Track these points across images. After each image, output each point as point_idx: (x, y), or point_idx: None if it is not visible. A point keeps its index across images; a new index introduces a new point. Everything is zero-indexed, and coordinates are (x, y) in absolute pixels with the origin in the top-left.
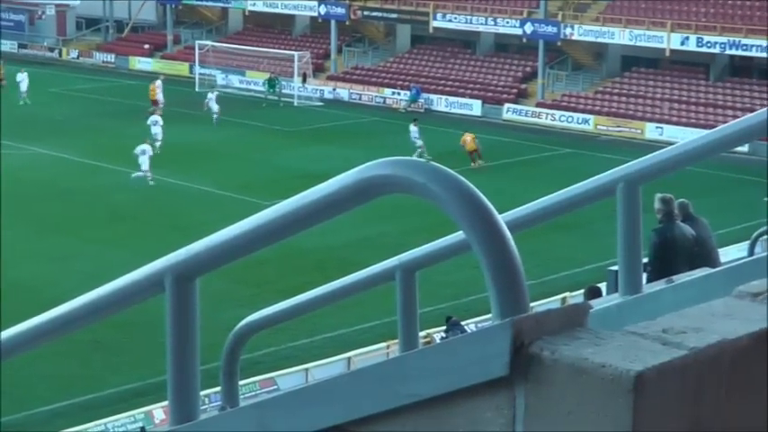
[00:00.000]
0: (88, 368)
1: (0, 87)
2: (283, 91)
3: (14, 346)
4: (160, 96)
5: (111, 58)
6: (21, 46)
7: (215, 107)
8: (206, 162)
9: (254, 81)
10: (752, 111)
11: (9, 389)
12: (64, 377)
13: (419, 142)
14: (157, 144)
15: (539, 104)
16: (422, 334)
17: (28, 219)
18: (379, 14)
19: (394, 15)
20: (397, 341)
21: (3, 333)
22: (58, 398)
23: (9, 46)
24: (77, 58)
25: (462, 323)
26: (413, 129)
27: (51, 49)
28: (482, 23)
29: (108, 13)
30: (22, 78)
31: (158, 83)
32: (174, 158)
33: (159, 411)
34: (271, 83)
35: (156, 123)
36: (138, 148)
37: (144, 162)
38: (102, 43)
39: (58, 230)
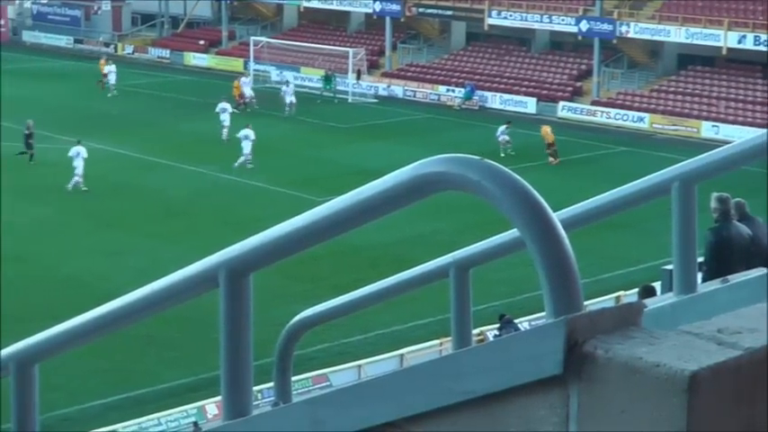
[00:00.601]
0: (142, 363)
1: (105, 84)
2: (338, 87)
3: (69, 340)
4: (248, 91)
5: (166, 53)
6: (77, 41)
7: (288, 99)
8: (260, 158)
9: (309, 77)
10: None
11: (64, 382)
12: (118, 371)
13: (503, 137)
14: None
15: (594, 102)
16: (475, 331)
17: (83, 214)
18: (435, 11)
19: (449, 12)
20: (450, 338)
21: (58, 327)
22: (111, 392)
23: (65, 41)
24: (133, 53)
25: (515, 321)
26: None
27: (107, 45)
28: (537, 21)
29: (163, 8)
30: (110, 71)
31: (243, 79)
32: (229, 154)
33: (212, 406)
34: (327, 79)
35: (224, 111)
36: (242, 133)
37: (246, 146)
38: (157, 39)
39: (113, 226)
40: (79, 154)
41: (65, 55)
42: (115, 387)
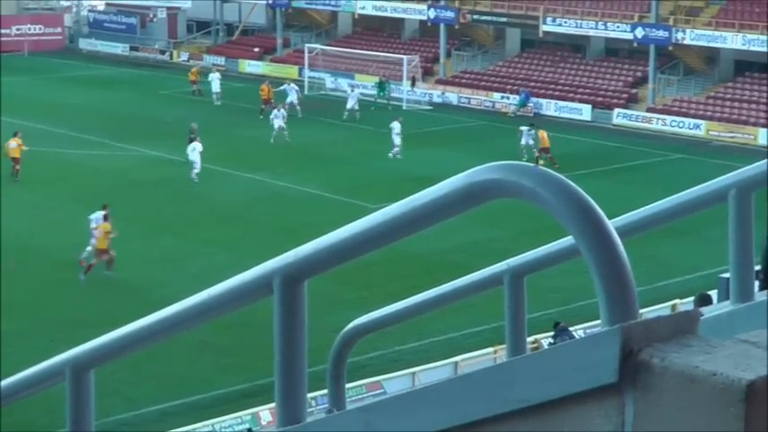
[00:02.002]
0: (197, 369)
1: (199, 92)
2: (392, 94)
3: (125, 346)
4: (293, 97)
5: (221, 60)
6: (132, 49)
7: (350, 104)
8: (314, 164)
9: (363, 84)
10: None
11: (120, 388)
12: (173, 377)
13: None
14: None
15: (649, 109)
16: (529, 339)
17: (138, 220)
18: (489, 18)
19: (504, 19)
20: (504, 346)
21: (114, 333)
22: (166, 398)
23: (121, 49)
24: (188, 60)
25: (570, 329)
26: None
27: (162, 52)
28: (592, 28)
29: (218, 16)
30: (214, 78)
31: (288, 86)
32: (282, 161)
33: (266, 413)
34: (381, 86)
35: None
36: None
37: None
38: (212, 46)
39: (168, 231)
40: (195, 149)
41: (121, 62)
42: (170, 393)
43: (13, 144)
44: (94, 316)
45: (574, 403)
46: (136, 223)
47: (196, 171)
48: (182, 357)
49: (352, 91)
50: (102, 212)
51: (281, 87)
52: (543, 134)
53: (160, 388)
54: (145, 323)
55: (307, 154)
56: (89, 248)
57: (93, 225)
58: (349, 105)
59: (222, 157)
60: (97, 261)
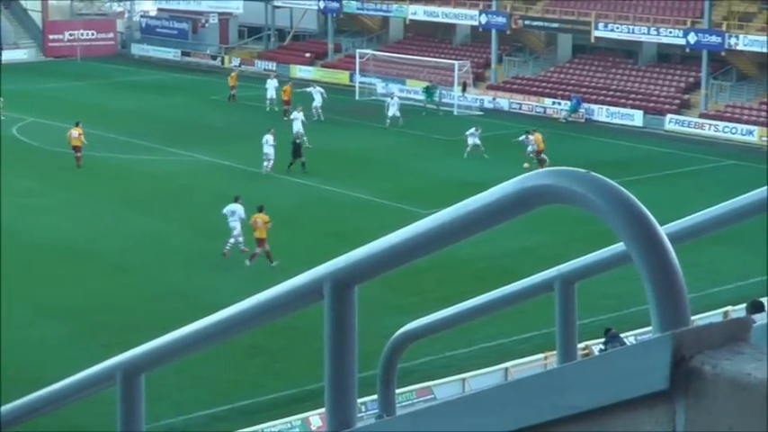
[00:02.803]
0: (247, 373)
1: (234, 98)
2: (443, 100)
3: (175, 351)
4: (318, 99)
5: (272, 66)
6: (184, 54)
7: (391, 112)
8: (365, 170)
9: (415, 90)
10: None
11: (170, 392)
12: (223, 382)
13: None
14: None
15: (702, 115)
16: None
17: (188, 225)
18: (541, 24)
19: (555, 25)
20: (555, 352)
21: (164, 337)
22: (217, 402)
23: (173, 54)
24: (239, 66)
25: (621, 335)
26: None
27: (214, 57)
28: (644, 33)
29: (270, 21)
30: (271, 85)
31: (313, 89)
32: (333, 166)
33: (316, 418)
34: (429, 91)
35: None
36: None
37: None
38: (263, 51)
39: (218, 236)
40: (268, 141)
41: (172, 68)
42: (220, 397)
43: (75, 134)
44: (145, 320)
45: (624, 410)
46: (186, 228)
47: (268, 163)
48: (232, 362)
49: (392, 98)
50: (239, 205)
51: (307, 89)
52: (538, 137)
53: (210, 392)
54: (195, 328)
55: (356, 159)
56: (231, 240)
57: (232, 219)
58: (390, 113)
59: (275, 161)
60: (261, 251)
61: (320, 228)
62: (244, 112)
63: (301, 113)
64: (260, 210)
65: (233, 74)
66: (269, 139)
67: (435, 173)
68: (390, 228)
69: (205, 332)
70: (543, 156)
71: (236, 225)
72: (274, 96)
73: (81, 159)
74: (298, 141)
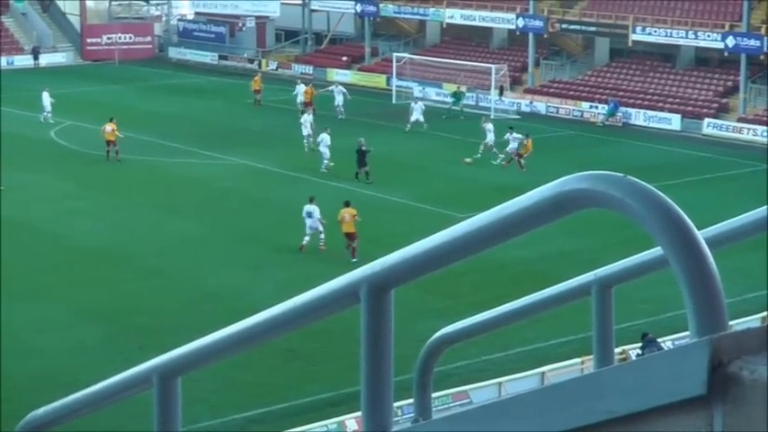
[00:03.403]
0: (283, 377)
1: (258, 102)
2: (480, 104)
3: (212, 354)
4: (339, 99)
5: (309, 69)
6: (221, 57)
7: (414, 117)
8: (400, 174)
9: (445, 93)
10: None
11: (207, 395)
12: (259, 385)
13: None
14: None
15: (740, 119)
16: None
17: (225, 228)
18: (578, 27)
19: (593, 28)
20: (591, 357)
21: (201, 340)
22: (253, 405)
23: (210, 57)
24: (276, 69)
25: (659, 340)
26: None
27: (251, 61)
28: (682, 37)
29: (307, 25)
30: (300, 90)
31: (336, 88)
32: (369, 169)
33: (352, 422)
34: (456, 96)
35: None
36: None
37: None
38: (300, 55)
39: (255, 239)
40: (323, 140)
41: (209, 71)
42: (257, 400)
43: (109, 128)
44: (181, 323)
45: (661, 415)
46: (223, 231)
47: (325, 163)
48: (268, 365)
49: (416, 103)
50: (314, 206)
51: (329, 89)
52: (529, 143)
53: (246, 395)
54: (232, 331)
55: (393, 162)
56: (307, 237)
57: (310, 220)
58: (413, 118)
59: (307, 165)
60: (356, 243)
61: (357, 231)
62: (279, 116)
63: (311, 116)
64: (346, 204)
65: (256, 78)
66: (325, 138)
67: (471, 176)
68: (426, 231)
69: (241, 335)
70: (522, 160)
71: (316, 225)
72: (303, 101)
73: (119, 153)
74: (363, 149)
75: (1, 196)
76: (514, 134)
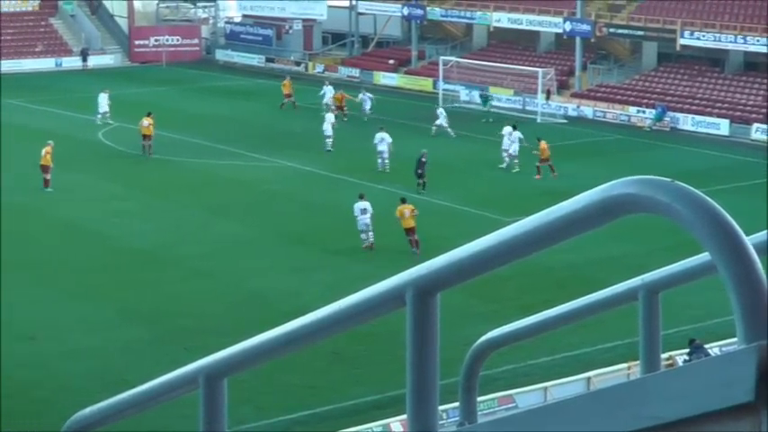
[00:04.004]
0: (328, 379)
1: (291, 104)
2: (527, 108)
3: (258, 356)
4: (367, 105)
5: (355, 72)
6: (268, 60)
7: (439, 121)
8: (446, 177)
9: (498, 97)
10: None
11: (253, 396)
12: (304, 387)
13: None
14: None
15: None
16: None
17: (271, 230)
18: (626, 32)
19: (640, 33)
20: (638, 362)
21: (247, 342)
22: (298, 407)
23: (257, 60)
24: (323, 72)
25: (706, 346)
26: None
27: (298, 64)
28: (731, 41)
29: (354, 28)
30: (327, 92)
31: (364, 95)
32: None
33: (397, 425)
34: (484, 99)
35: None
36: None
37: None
38: (347, 58)
39: (301, 242)
40: (384, 140)
41: (256, 73)
42: (301, 403)
43: (146, 123)
44: (227, 325)
45: (708, 422)
46: (269, 234)
47: (383, 162)
48: (313, 367)
49: (439, 110)
50: (367, 202)
51: (358, 96)
52: (544, 145)
53: (291, 397)
54: (278, 333)
55: (439, 166)
56: (363, 236)
57: (363, 216)
58: (438, 122)
59: (354, 167)
60: (414, 238)
61: (402, 235)
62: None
63: (332, 115)
64: (403, 201)
65: (286, 81)
66: (384, 137)
67: (517, 180)
68: (472, 235)
69: (287, 337)
70: (549, 163)
71: (368, 221)
72: (330, 103)
73: (152, 149)
74: (423, 160)
75: (49, 198)
76: (515, 133)
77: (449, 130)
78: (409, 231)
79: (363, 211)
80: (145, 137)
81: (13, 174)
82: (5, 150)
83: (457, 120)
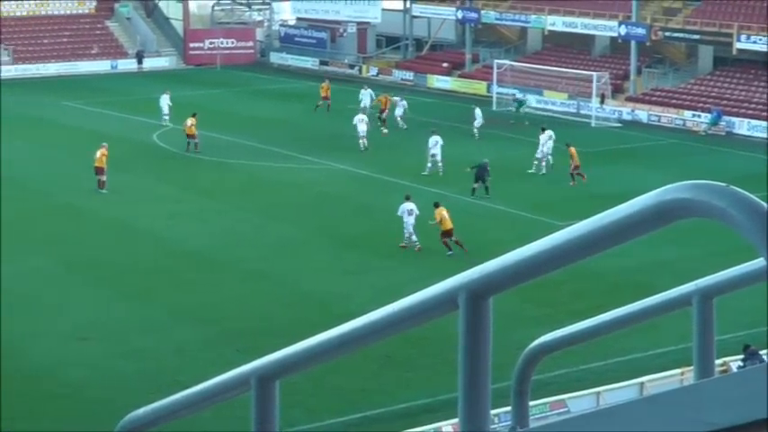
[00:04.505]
0: (379, 382)
1: (326, 106)
2: (581, 111)
3: (311, 358)
4: (398, 110)
5: (409, 75)
6: (322, 63)
7: (478, 122)
8: (500, 181)
9: (552, 101)
10: None
11: (304, 399)
12: (356, 390)
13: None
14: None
15: None
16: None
17: (323, 232)
18: (681, 35)
19: (696, 36)
20: (692, 368)
21: (300, 344)
22: (349, 410)
23: (311, 63)
24: (377, 75)
25: (761, 353)
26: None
27: (352, 66)
28: None
29: (408, 31)
30: (364, 95)
31: (398, 99)
32: (469, 176)
33: (449, 428)
34: (518, 102)
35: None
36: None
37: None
38: (401, 61)
39: (353, 244)
40: (437, 143)
41: (310, 76)
42: (353, 406)
43: (189, 122)
44: (280, 327)
45: (762, 428)
46: (322, 236)
47: (435, 163)
48: (364, 370)
49: (476, 110)
50: (411, 204)
51: (394, 99)
52: (573, 151)
53: (343, 400)
54: (331, 335)
55: (493, 169)
56: (407, 235)
57: (411, 216)
58: (477, 122)
59: (407, 171)
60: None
61: (456, 238)
62: (375, 122)
63: (364, 115)
64: (437, 205)
65: (324, 84)
66: (438, 140)
67: (569, 184)
68: (525, 239)
69: (340, 340)
70: (580, 171)
71: (413, 223)
72: (368, 106)
73: (198, 146)
74: (484, 163)
75: (104, 199)
76: (546, 132)
77: (476, 130)
78: (449, 233)
79: (410, 212)
80: (189, 136)
81: (68, 175)
82: (62, 152)
83: (511, 124)
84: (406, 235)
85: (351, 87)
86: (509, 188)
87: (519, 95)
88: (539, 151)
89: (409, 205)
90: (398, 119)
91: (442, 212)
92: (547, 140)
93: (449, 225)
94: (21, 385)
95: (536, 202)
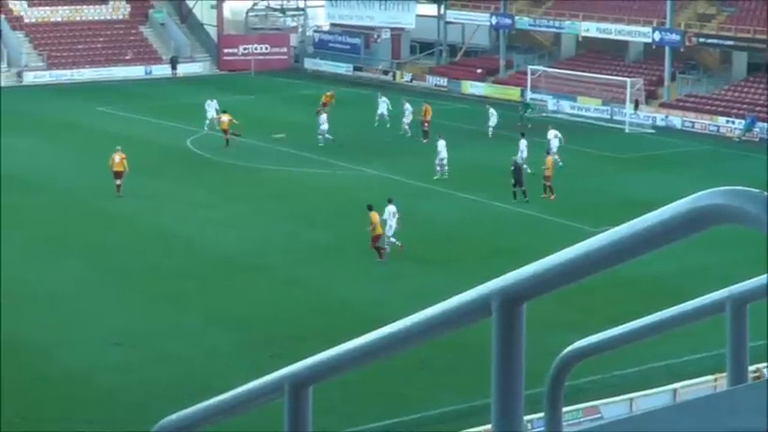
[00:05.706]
0: (413, 388)
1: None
2: (615, 117)
3: (344, 364)
4: (407, 118)
5: (443, 81)
6: (356, 68)
7: (492, 122)
8: (533, 187)
9: (586, 107)
10: None
11: (337, 405)
12: (391, 396)
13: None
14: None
15: None
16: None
17: (357, 239)
18: (715, 42)
19: (730, 43)
20: (725, 374)
21: (333, 350)
22: (383, 416)
23: (345, 68)
24: (411, 81)
25: None
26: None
27: (385, 72)
28: None
29: (442, 37)
30: (382, 103)
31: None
32: (502, 182)
33: None
34: (525, 106)
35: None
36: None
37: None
38: (434, 67)
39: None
40: (444, 147)
41: (344, 82)
42: (388, 411)
43: (224, 118)
44: (313, 332)
45: None
46: (354, 242)
47: (439, 170)
48: (399, 376)
49: (491, 109)
50: (393, 207)
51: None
52: (549, 161)
53: (378, 406)
54: (365, 341)
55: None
56: (390, 237)
57: (392, 219)
58: (491, 122)
59: (441, 178)
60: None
61: (489, 243)
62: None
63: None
64: (370, 209)
65: (329, 93)
66: (444, 144)
67: (604, 190)
68: (558, 245)
69: (374, 345)
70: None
71: (394, 225)
72: (385, 113)
73: (229, 141)
74: (518, 165)
75: (138, 205)
76: (551, 131)
77: (490, 129)
78: (378, 238)
79: (393, 214)
80: (224, 131)
81: (102, 181)
82: (96, 158)
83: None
84: (390, 237)
85: (384, 93)
86: (541, 194)
87: (528, 99)
88: (551, 144)
89: (392, 208)
90: (405, 126)
91: (376, 217)
92: (552, 139)
93: (379, 230)
94: (55, 390)
95: (569, 208)
